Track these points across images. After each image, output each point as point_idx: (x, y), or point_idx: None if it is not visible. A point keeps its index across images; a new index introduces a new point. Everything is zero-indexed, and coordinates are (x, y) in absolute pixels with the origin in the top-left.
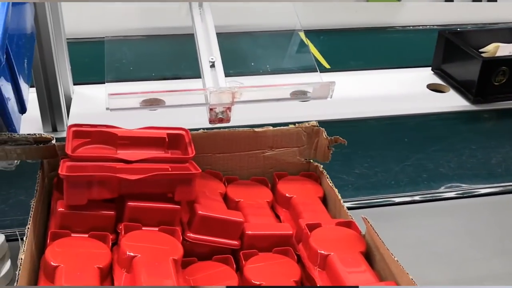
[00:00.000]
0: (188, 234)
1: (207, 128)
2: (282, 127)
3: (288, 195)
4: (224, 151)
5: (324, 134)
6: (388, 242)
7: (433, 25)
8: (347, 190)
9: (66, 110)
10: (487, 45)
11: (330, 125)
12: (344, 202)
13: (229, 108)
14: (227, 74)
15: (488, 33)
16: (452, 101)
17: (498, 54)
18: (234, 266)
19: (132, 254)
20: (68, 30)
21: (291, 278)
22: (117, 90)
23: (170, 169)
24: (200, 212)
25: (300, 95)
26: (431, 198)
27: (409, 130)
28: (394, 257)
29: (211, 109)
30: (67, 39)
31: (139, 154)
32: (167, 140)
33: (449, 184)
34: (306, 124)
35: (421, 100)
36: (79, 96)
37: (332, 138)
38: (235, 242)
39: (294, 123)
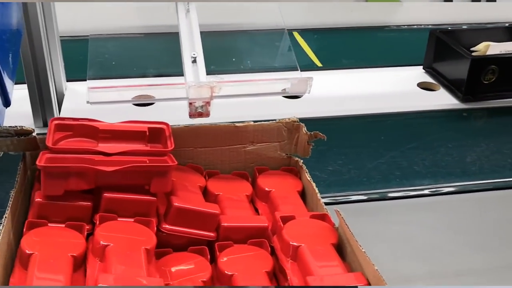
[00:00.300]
0: (163, 226)
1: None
2: (263, 122)
3: (267, 189)
4: (206, 145)
5: (304, 129)
6: (367, 236)
7: (427, 25)
8: (318, 187)
9: (57, 106)
10: (479, 44)
11: (316, 122)
12: (324, 196)
13: (209, 103)
14: (210, 71)
15: (480, 32)
16: (442, 100)
17: (488, 53)
18: (209, 257)
19: (105, 243)
20: (64, 28)
21: (263, 269)
22: (98, 84)
23: (147, 162)
24: (175, 204)
25: (279, 90)
26: (413, 194)
27: (391, 128)
28: (362, 249)
29: (190, 103)
30: (61, 37)
31: (119, 147)
32: (147, 133)
33: (421, 182)
34: (287, 119)
35: (411, 98)
36: (71, 93)
37: (312, 133)
38: (211, 234)
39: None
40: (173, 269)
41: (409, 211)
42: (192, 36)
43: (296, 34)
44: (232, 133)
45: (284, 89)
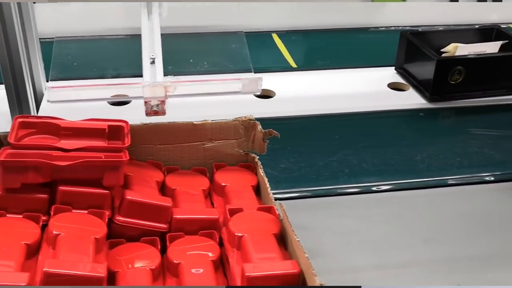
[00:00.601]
0: (117, 217)
1: None
2: (220, 121)
3: (223, 184)
4: (165, 142)
5: (259, 127)
6: (321, 229)
7: (405, 26)
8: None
9: (35, 106)
10: (448, 45)
11: (282, 121)
12: (277, 192)
13: (164, 102)
14: (169, 72)
15: (451, 34)
16: (410, 99)
17: (457, 54)
18: (159, 247)
19: (57, 232)
20: (46, 30)
21: (209, 258)
22: (58, 84)
23: (103, 157)
24: (128, 197)
25: (231, 90)
26: (366, 190)
27: (351, 127)
28: (297, 238)
29: (146, 102)
30: (41, 38)
31: (79, 144)
32: (107, 131)
33: (368, 179)
34: (243, 117)
35: (380, 98)
36: None
37: (266, 131)
38: (163, 226)
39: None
40: (124, 258)
41: (361, 206)
42: (152, 38)
43: (275, 36)
44: (191, 130)
45: (237, 90)
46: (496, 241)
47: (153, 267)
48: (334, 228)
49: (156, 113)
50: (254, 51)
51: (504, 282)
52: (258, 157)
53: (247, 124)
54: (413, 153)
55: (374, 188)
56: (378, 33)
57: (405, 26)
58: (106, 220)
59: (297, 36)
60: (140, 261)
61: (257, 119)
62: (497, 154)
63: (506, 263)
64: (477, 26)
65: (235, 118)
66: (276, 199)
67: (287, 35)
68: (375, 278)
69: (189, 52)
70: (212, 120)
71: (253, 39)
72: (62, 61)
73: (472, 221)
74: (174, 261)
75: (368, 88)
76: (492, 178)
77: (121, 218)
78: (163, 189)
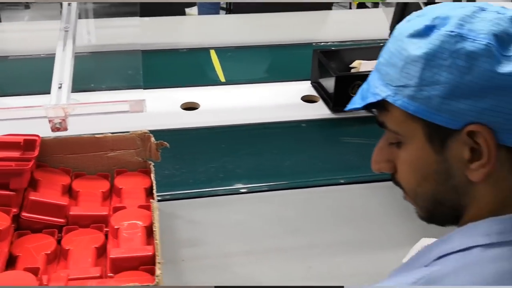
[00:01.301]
0: (23, 214)
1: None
2: (119, 134)
3: (120, 187)
4: (73, 152)
5: (152, 139)
6: (207, 223)
7: (334, 42)
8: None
9: None
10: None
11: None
12: (163, 194)
13: (65, 120)
14: (74, 90)
15: (359, 51)
16: (318, 110)
17: (361, 70)
18: (56, 237)
19: None
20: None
21: (93, 245)
22: None
23: (13, 166)
24: (31, 197)
25: (120, 110)
26: (252, 190)
27: (245, 137)
28: (155, 229)
29: (50, 121)
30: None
31: None
32: (22, 144)
33: (238, 182)
34: (139, 131)
35: (293, 109)
36: None
37: (158, 142)
38: (61, 220)
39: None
40: (26, 246)
41: (245, 203)
42: (63, 66)
43: (212, 52)
44: (94, 142)
45: (126, 109)
46: (348, 231)
47: (49, 252)
48: (218, 222)
49: (58, 129)
50: (189, 66)
51: (348, 265)
52: (153, 164)
53: (143, 136)
54: (284, 159)
55: (243, 190)
56: (306, 48)
57: (334, 42)
58: (11, 215)
59: (233, 53)
60: (38, 248)
61: (174, 129)
62: (356, 159)
63: (353, 250)
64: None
65: (132, 132)
66: (166, 199)
67: (223, 51)
68: (242, 262)
69: (92, 71)
70: (112, 133)
71: (192, 55)
72: None
73: (331, 215)
74: (65, 248)
75: (283, 101)
76: (344, 181)
77: (26, 214)
78: (70, 191)
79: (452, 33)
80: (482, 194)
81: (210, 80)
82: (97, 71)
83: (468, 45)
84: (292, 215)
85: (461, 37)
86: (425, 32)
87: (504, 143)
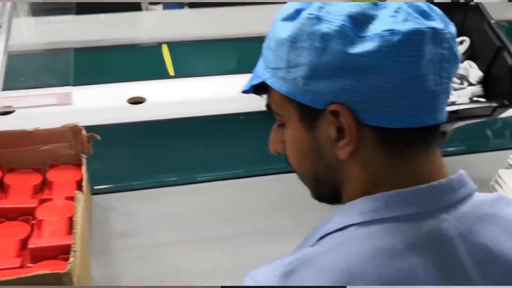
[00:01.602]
0: None
1: None
2: (51, 128)
3: (51, 180)
4: (6, 147)
5: (83, 132)
6: (141, 215)
7: None
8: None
9: None
10: None
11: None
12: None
13: None
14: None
15: None
16: (259, 103)
17: None
18: None
19: None
20: None
21: (18, 237)
22: None
23: None
24: None
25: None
26: (184, 182)
27: (177, 131)
28: (75, 219)
29: None
30: None
31: None
32: None
33: (171, 174)
34: (70, 124)
35: (236, 102)
36: None
37: (89, 134)
38: None
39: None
40: None
41: (180, 195)
42: None
43: (164, 47)
44: (25, 137)
45: (54, 102)
46: (279, 219)
47: None
48: (152, 214)
49: None
50: (139, 62)
51: (275, 251)
52: (85, 157)
53: (75, 130)
54: (218, 151)
55: (177, 182)
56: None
57: None
58: None
59: (185, 47)
60: None
61: (118, 124)
62: None
63: (284, 237)
64: None
65: (63, 125)
66: (103, 192)
67: (176, 46)
68: (172, 252)
69: (27, 69)
70: (43, 128)
71: (144, 51)
72: None
73: (263, 204)
74: None
75: (230, 94)
76: (275, 171)
77: None
78: (1, 184)
79: (311, 16)
80: (354, 173)
81: (159, 74)
82: (29, 69)
83: (324, 27)
84: (224, 206)
85: (318, 19)
86: (293, 15)
87: (366, 122)
